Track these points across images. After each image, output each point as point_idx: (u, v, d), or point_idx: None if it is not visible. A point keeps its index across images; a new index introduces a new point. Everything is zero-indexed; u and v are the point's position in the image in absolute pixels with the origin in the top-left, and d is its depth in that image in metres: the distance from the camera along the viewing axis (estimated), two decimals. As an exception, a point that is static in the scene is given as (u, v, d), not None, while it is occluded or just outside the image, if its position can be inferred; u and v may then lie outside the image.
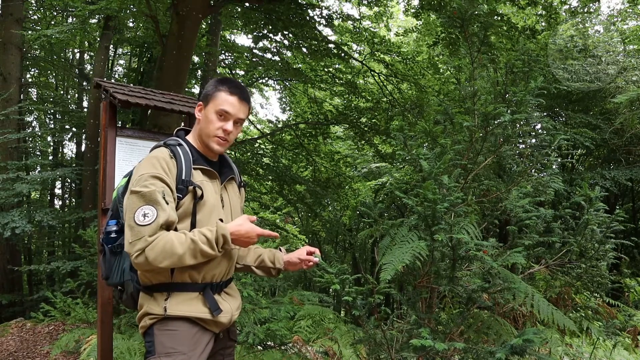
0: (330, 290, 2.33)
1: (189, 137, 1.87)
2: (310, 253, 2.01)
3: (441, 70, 11.04)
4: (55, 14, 11.91)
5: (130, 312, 4.68)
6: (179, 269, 1.68)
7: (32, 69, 12.84)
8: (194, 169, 1.76)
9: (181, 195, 1.69)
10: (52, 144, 13.20)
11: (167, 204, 1.61)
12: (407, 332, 2.65)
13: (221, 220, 1.77)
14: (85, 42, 12.25)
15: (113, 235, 1.80)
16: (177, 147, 1.76)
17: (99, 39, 10.39)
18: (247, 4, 8.10)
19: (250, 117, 14.10)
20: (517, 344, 1.91)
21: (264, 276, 2.10)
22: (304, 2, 8.53)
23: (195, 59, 10.09)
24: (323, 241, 17.34)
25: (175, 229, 1.67)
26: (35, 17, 12.10)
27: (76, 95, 13.99)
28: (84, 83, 12.68)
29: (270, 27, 8.78)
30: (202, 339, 1.72)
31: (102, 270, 1.87)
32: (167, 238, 1.57)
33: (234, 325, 1.97)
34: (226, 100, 1.77)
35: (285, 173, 11.52)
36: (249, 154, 11.82)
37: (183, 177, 1.70)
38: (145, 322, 1.71)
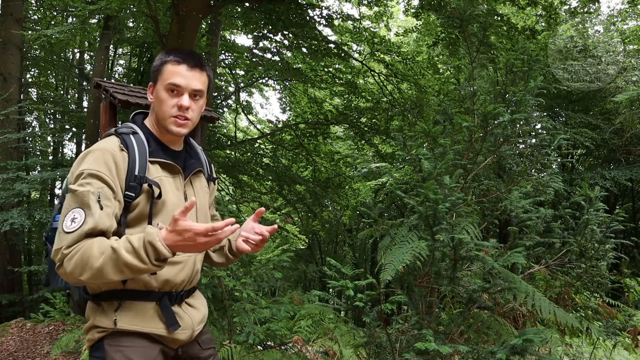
0: (331, 290, 2.30)
1: (147, 123, 1.59)
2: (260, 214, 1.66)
3: (441, 70, 11.04)
4: (55, 14, 11.91)
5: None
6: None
7: (32, 69, 12.84)
8: (151, 162, 1.50)
9: (134, 195, 1.44)
10: (52, 144, 13.19)
11: (102, 208, 1.36)
12: (409, 333, 2.65)
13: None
14: (85, 42, 12.25)
15: None
16: (131, 135, 1.50)
17: (99, 39, 10.38)
18: (247, 4, 8.09)
19: (250, 117, 14.10)
20: (518, 344, 1.91)
21: (222, 261, 1.77)
22: (304, 2, 8.53)
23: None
24: (323, 241, 17.34)
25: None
26: (35, 17, 12.10)
27: (76, 95, 13.99)
28: (84, 83, 12.69)
29: (270, 27, 8.77)
30: (159, 356, 1.51)
31: (46, 272, 1.66)
32: (87, 246, 1.31)
33: (207, 333, 1.73)
34: (173, 71, 1.50)
35: (285, 173, 11.52)
36: (249, 154, 11.82)
37: (136, 173, 1.44)
38: (94, 335, 1.48)
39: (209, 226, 1.29)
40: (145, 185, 1.46)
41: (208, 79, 1.59)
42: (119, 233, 1.43)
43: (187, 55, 1.54)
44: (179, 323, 1.52)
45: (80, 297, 1.56)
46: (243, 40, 58.55)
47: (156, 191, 1.47)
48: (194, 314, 1.61)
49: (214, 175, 1.79)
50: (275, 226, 1.65)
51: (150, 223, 1.47)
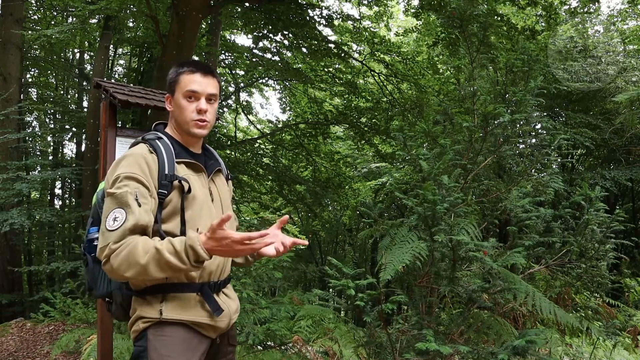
0: (330, 290, 2.30)
1: (168, 131, 1.75)
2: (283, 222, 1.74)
3: (441, 70, 11.04)
4: (55, 14, 11.90)
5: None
6: None
7: (32, 69, 12.82)
8: (177, 162, 1.64)
9: (166, 192, 1.57)
10: (52, 144, 13.18)
11: (140, 206, 1.49)
12: (409, 333, 2.65)
13: (196, 230, 1.61)
14: (85, 42, 12.24)
15: (95, 243, 1.64)
16: (157, 140, 1.65)
17: (99, 39, 10.38)
18: (247, 4, 8.10)
19: (250, 117, 14.10)
20: (521, 344, 1.91)
21: (242, 262, 1.93)
22: (304, 2, 8.53)
23: (195, 59, 10.08)
24: (323, 241, 17.33)
25: (161, 232, 1.56)
26: (35, 17, 12.09)
27: (76, 95, 13.98)
28: (84, 83, 12.68)
29: (270, 27, 8.77)
30: (199, 346, 1.62)
31: (86, 281, 1.76)
32: (133, 244, 1.43)
33: (234, 329, 1.86)
34: (190, 80, 1.66)
35: (285, 173, 11.53)
36: (249, 154, 11.82)
37: (166, 172, 1.58)
38: (139, 325, 1.59)
39: (245, 235, 1.42)
40: (175, 182, 1.60)
41: (219, 84, 1.75)
42: (155, 229, 1.56)
43: (199, 65, 1.71)
44: (222, 308, 1.64)
45: (123, 296, 1.65)
46: (243, 40, 58.54)
47: (186, 186, 1.60)
48: (230, 303, 1.75)
49: (231, 175, 1.95)
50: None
51: (182, 217, 1.59)
